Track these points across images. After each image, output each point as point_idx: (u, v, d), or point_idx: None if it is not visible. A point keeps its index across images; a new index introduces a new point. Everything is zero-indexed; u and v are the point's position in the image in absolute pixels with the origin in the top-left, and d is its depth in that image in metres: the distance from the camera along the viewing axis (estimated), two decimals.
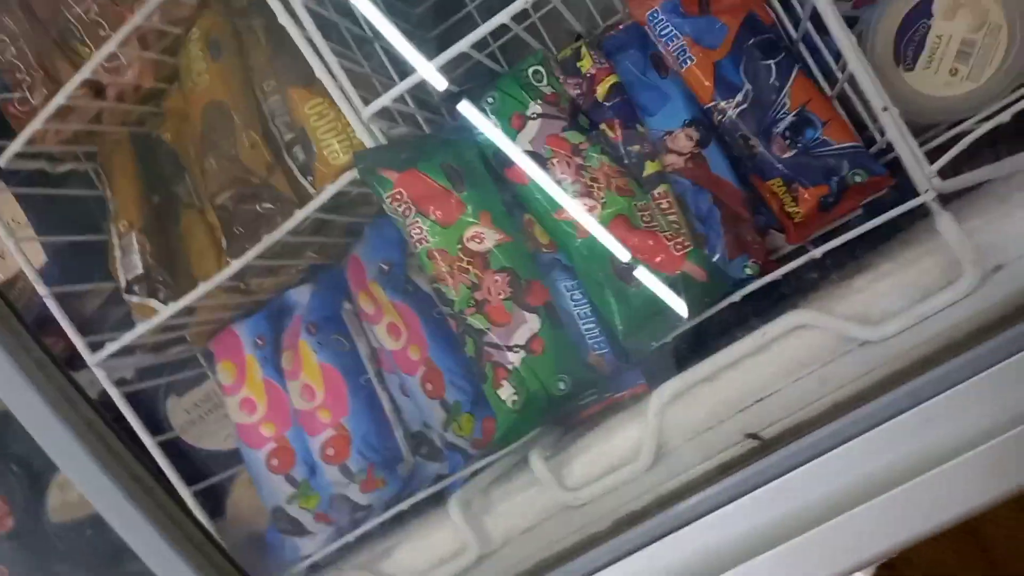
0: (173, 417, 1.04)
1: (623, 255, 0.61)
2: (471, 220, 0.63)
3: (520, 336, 0.60)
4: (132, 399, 0.93)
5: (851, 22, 0.70)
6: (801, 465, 0.41)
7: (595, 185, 0.63)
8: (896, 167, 0.59)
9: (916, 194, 0.56)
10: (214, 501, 0.93)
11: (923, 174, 0.56)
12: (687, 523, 0.44)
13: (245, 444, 0.86)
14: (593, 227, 0.62)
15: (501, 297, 0.61)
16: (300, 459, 0.84)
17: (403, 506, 0.72)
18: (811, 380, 0.47)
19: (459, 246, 0.62)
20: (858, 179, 0.62)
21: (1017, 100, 0.58)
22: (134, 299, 0.82)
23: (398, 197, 0.63)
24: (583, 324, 0.64)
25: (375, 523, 0.73)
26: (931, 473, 0.37)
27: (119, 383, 0.80)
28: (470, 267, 0.62)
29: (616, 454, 0.52)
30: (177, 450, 0.99)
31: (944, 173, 0.55)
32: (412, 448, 0.82)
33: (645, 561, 0.44)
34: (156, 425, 1.02)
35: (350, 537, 0.71)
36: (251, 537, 0.91)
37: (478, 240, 0.62)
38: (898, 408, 0.40)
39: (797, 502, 0.41)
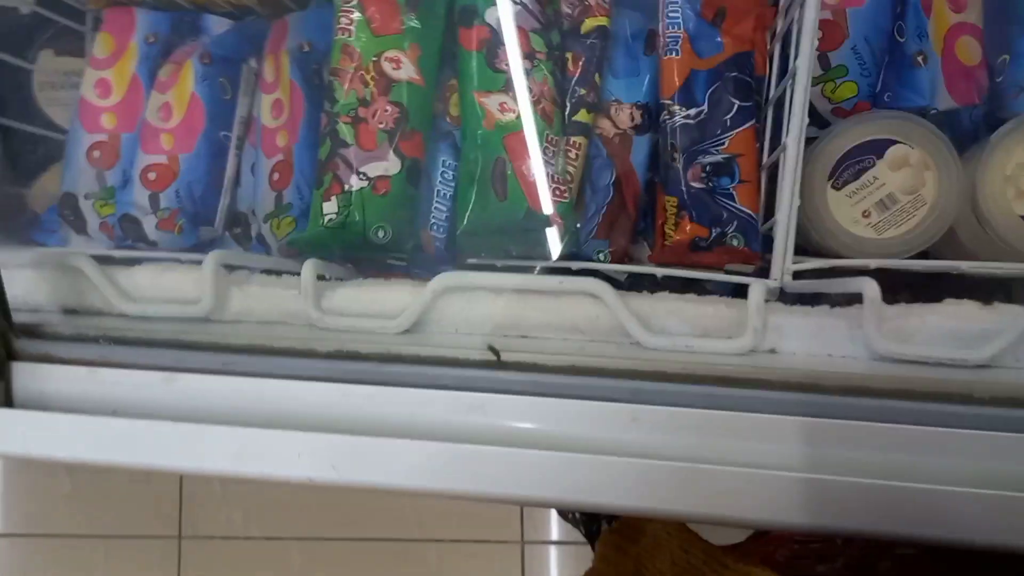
0: (37, 70, 0.98)
1: (506, 166, 0.60)
2: (400, 45, 0.61)
3: (373, 169, 0.59)
4: None
5: (823, 124, 0.73)
6: (512, 394, 0.42)
7: (527, 95, 0.63)
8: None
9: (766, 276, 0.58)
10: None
11: (781, 265, 0.58)
12: (394, 384, 0.45)
13: (79, 122, 0.81)
14: (498, 126, 0.61)
15: (380, 126, 0.59)
16: (120, 166, 0.80)
17: (186, 256, 0.69)
18: (573, 344, 0.49)
19: (374, 58, 0.60)
20: (735, 242, 0.65)
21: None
22: None
23: None
24: (436, 202, 0.63)
25: (155, 254, 0.71)
26: (603, 458, 0.39)
27: None
28: (371, 82, 0.60)
29: (380, 306, 0.52)
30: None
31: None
32: (227, 222, 0.79)
33: (338, 396, 0.45)
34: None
35: (116, 253, 0.68)
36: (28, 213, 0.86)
37: (394, 65, 0.61)
38: (614, 396, 0.41)
39: (489, 420, 0.42)
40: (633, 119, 0.68)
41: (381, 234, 0.58)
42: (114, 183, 0.80)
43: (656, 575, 0.51)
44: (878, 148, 0.68)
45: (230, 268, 0.56)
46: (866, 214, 0.68)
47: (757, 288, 0.46)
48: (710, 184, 0.66)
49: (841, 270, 0.60)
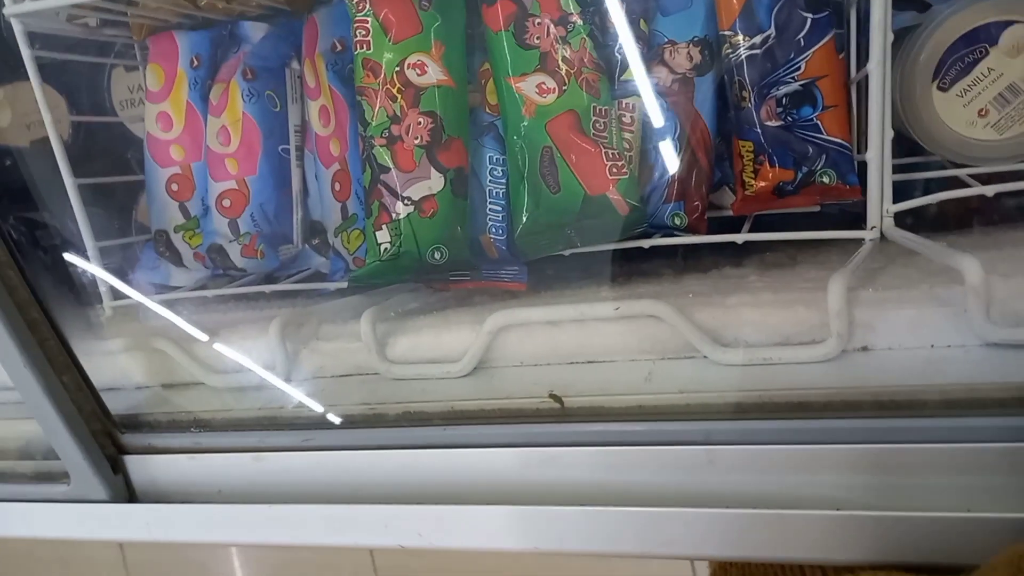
0: (115, 88, 1.01)
1: (554, 156, 0.56)
2: (422, 47, 0.57)
3: (416, 191, 0.56)
4: (70, 68, 0.90)
5: (924, 6, 0.62)
6: (575, 446, 0.41)
7: (564, 68, 0.57)
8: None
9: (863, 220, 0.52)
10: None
11: (879, 209, 0.51)
12: (464, 446, 0.44)
13: (152, 158, 0.83)
14: (539, 112, 0.56)
15: (416, 142, 0.56)
16: (198, 195, 0.82)
17: (269, 287, 0.71)
18: (641, 367, 0.46)
19: (397, 68, 0.57)
20: (825, 180, 0.58)
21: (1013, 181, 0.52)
22: None
23: None
24: (490, 203, 0.60)
25: (241, 289, 0.73)
26: (669, 509, 0.37)
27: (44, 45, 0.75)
28: (399, 96, 0.57)
29: (442, 348, 0.51)
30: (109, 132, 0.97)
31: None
32: (305, 234, 0.80)
33: (410, 462, 0.45)
34: (95, 92, 0.99)
35: (208, 293, 0.71)
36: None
37: (419, 71, 0.57)
38: (686, 439, 0.39)
39: (555, 474, 0.41)
40: (692, 59, 0.61)
41: (438, 256, 0.56)
42: (197, 213, 0.82)
43: None
44: (990, 34, 0.57)
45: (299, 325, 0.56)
46: (983, 113, 0.58)
47: (837, 285, 0.41)
48: (789, 118, 0.59)
49: (952, 203, 0.52)
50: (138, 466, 0.51)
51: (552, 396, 0.43)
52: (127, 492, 0.51)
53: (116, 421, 0.52)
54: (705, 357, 0.44)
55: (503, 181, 0.60)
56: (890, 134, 0.51)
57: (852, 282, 0.42)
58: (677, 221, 0.61)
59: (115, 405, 0.53)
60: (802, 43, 0.58)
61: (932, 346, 0.41)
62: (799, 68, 0.58)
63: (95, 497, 0.50)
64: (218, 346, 0.57)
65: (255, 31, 0.80)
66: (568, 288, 0.60)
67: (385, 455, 0.45)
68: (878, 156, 0.50)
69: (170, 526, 0.49)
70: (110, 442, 0.51)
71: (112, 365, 0.58)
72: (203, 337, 0.58)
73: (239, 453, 0.48)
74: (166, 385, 0.58)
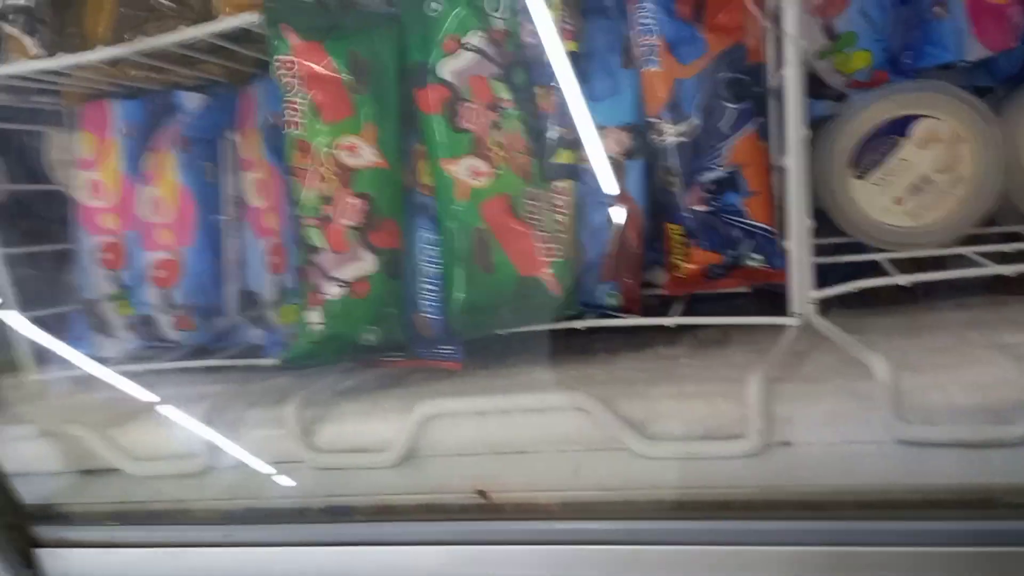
0: (54, 147, 0.98)
1: (487, 238, 0.57)
2: (354, 129, 0.57)
3: (349, 272, 0.56)
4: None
5: (840, 97, 0.65)
6: (501, 544, 0.40)
7: (496, 152, 0.58)
8: None
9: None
10: None
11: (801, 296, 0.53)
12: (390, 543, 0.43)
13: (82, 227, 0.81)
14: (473, 195, 0.57)
15: (348, 224, 0.56)
16: (130, 265, 0.80)
17: (200, 363, 0.69)
18: (568, 458, 0.46)
19: (328, 150, 0.57)
20: (752, 263, 0.60)
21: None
22: (6, 28, 0.74)
23: (289, 66, 0.57)
24: (424, 282, 0.60)
25: (171, 365, 0.71)
26: None
27: None
28: (332, 177, 0.57)
29: (371, 436, 0.51)
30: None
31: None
32: (241, 305, 0.79)
33: (335, 556, 0.44)
34: (29, 154, 0.96)
35: (138, 368, 0.69)
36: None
37: (352, 152, 0.57)
38: (612, 539, 0.39)
39: (481, 573, 0.40)
40: (621, 144, 0.62)
41: (371, 337, 0.56)
42: (128, 283, 0.80)
43: None
44: (901, 126, 0.60)
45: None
46: (898, 201, 0.61)
47: (755, 383, 0.42)
48: (715, 204, 0.60)
49: (873, 291, 0.54)
50: (51, 560, 0.49)
51: (479, 492, 0.43)
52: None
53: (28, 512, 0.49)
54: (627, 449, 0.45)
55: (436, 262, 0.60)
56: (808, 224, 0.53)
57: (773, 373, 0.43)
58: (612, 300, 0.62)
59: (29, 491, 0.51)
60: (725, 131, 0.60)
61: (850, 442, 0.42)
62: (723, 155, 0.60)
63: None
64: (139, 432, 0.55)
65: (191, 100, 0.79)
66: (503, 367, 0.60)
67: (309, 552, 0.44)
68: (797, 247, 0.52)
69: None
70: (20, 535, 0.49)
71: (26, 450, 0.56)
72: (125, 419, 0.56)
73: (157, 548, 0.46)
74: (84, 471, 0.56)
